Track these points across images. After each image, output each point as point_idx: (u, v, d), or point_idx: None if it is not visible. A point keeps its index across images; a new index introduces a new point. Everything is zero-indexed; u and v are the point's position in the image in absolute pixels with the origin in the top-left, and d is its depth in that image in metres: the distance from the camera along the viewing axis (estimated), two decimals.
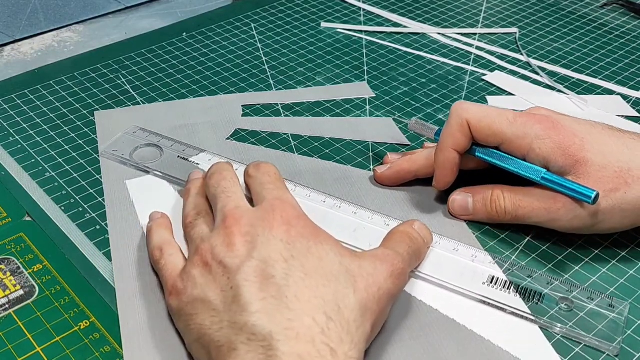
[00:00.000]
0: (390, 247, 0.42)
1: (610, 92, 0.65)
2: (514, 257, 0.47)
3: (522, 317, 0.42)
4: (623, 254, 0.47)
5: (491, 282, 0.44)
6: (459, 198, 0.49)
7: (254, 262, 0.37)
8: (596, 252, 0.47)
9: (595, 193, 0.43)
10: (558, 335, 0.41)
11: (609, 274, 0.46)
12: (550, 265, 0.46)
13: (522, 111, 0.48)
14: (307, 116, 0.61)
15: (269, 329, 0.34)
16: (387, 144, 0.57)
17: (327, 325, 0.35)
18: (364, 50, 0.71)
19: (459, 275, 0.44)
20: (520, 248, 0.48)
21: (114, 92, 0.63)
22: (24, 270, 0.45)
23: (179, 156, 0.54)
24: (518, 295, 0.43)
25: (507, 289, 0.43)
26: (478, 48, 0.72)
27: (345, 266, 0.38)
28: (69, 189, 0.52)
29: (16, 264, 0.46)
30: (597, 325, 0.42)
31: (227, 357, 0.35)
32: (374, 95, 0.64)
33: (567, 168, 0.45)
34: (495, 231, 0.49)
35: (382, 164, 0.53)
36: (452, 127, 0.47)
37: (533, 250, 0.47)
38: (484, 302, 0.43)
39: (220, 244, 0.39)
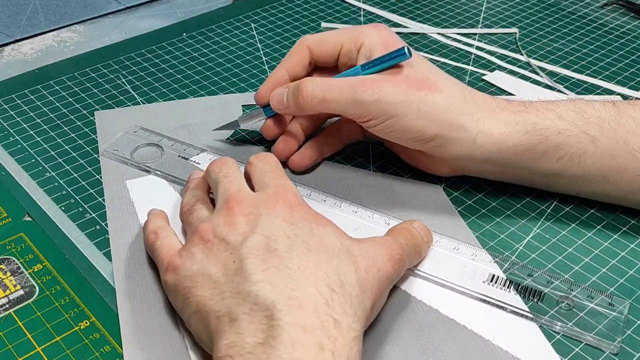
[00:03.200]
0: (390, 236, 0.43)
1: (610, 92, 0.65)
2: (514, 257, 0.47)
3: (522, 315, 0.42)
4: (623, 254, 0.47)
5: (491, 281, 0.44)
6: (277, 92, 0.50)
7: (257, 237, 0.37)
8: (596, 252, 0.47)
9: (405, 47, 0.46)
10: (558, 334, 0.41)
11: (609, 274, 0.46)
12: (550, 265, 0.46)
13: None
14: None
15: (272, 298, 0.34)
16: None
17: (330, 296, 0.35)
18: None
19: (460, 274, 0.44)
20: (520, 248, 0.48)
21: (114, 92, 0.64)
22: (24, 270, 0.45)
23: (179, 155, 0.54)
24: (518, 294, 0.43)
25: (507, 287, 0.43)
26: (478, 48, 0.72)
27: (347, 246, 0.38)
28: (69, 189, 0.52)
29: (16, 264, 0.46)
30: (597, 324, 0.42)
31: (228, 327, 0.35)
32: None
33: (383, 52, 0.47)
34: (495, 231, 0.49)
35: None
36: (295, 48, 0.51)
37: (533, 250, 0.47)
38: (484, 301, 0.43)
39: (222, 224, 0.39)
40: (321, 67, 0.53)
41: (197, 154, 0.54)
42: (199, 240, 0.39)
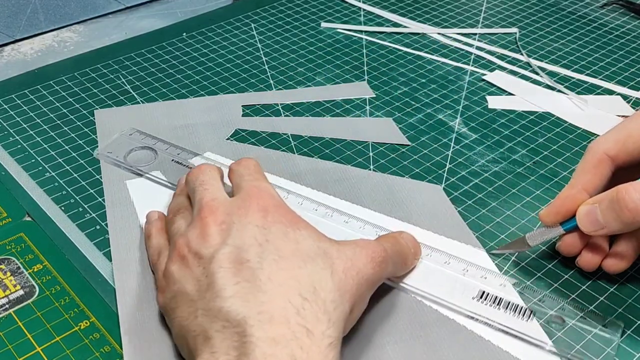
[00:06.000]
0: (374, 240, 0.41)
1: (610, 92, 0.65)
2: (513, 257, 0.47)
3: (511, 334, 0.41)
4: None
5: (481, 297, 0.43)
6: (584, 210, 0.42)
7: (227, 249, 0.37)
8: None
9: None
10: (558, 334, 0.41)
11: (609, 274, 0.46)
12: (550, 265, 0.46)
13: None
14: (307, 116, 0.61)
15: (243, 313, 0.34)
16: (387, 143, 0.57)
17: (302, 305, 0.34)
18: (364, 50, 0.71)
19: (450, 289, 0.43)
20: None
21: (114, 92, 0.63)
22: (24, 270, 0.45)
23: (173, 160, 0.53)
24: (508, 312, 0.42)
25: (498, 304, 0.42)
26: (478, 48, 0.72)
27: (324, 249, 0.37)
28: (69, 189, 0.52)
29: (16, 264, 0.46)
30: (590, 344, 0.41)
31: (202, 346, 0.34)
32: (374, 95, 0.64)
33: None
34: (495, 231, 0.49)
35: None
36: (583, 166, 0.44)
37: (533, 250, 0.47)
38: (472, 319, 0.42)
39: (196, 236, 0.38)
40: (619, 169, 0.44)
41: (192, 158, 0.53)
42: (177, 257, 0.39)
